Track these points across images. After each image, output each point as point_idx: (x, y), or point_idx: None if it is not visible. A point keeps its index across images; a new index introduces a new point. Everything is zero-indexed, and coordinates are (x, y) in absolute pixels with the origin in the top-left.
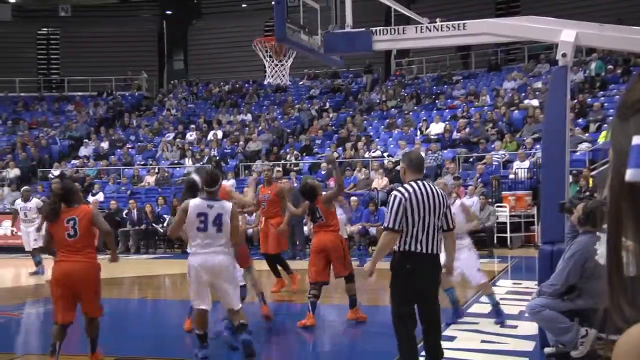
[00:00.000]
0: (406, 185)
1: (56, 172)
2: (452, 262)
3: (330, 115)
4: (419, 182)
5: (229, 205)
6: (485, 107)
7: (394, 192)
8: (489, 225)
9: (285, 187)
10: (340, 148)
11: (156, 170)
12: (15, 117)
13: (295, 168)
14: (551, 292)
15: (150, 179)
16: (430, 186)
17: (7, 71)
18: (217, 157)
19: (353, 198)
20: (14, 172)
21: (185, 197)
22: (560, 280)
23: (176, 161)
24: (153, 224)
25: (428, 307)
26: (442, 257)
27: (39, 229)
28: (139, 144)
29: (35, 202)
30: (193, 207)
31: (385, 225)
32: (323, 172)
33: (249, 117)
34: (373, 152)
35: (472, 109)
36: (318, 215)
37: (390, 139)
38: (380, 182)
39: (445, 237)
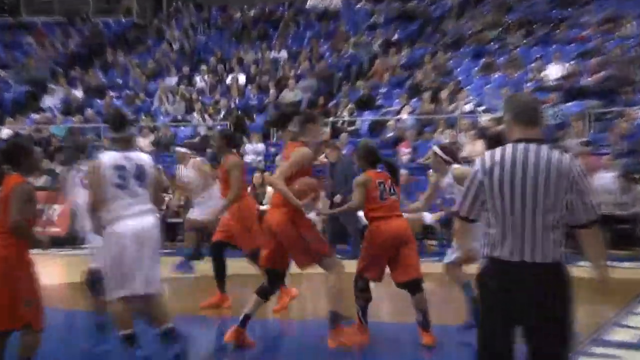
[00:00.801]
0: (496, 150)
1: (7, 131)
2: (605, 272)
3: (401, 52)
4: (522, 144)
5: (146, 155)
6: (630, 40)
7: (476, 160)
8: (634, 212)
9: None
10: (414, 100)
11: (152, 129)
12: None
13: (349, 128)
14: None
15: (143, 142)
16: (542, 152)
17: None
18: (239, 112)
19: (431, 172)
20: None
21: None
22: None
23: (180, 116)
24: None
25: (538, 348)
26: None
27: None
28: (127, 92)
29: None
30: (106, 161)
31: (454, 208)
32: (390, 135)
33: (283, 54)
34: (462, 105)
35: (611, 42)
36: (391, 192)
37: (488, 87)
38: (472, 147)
39: (584, 236)
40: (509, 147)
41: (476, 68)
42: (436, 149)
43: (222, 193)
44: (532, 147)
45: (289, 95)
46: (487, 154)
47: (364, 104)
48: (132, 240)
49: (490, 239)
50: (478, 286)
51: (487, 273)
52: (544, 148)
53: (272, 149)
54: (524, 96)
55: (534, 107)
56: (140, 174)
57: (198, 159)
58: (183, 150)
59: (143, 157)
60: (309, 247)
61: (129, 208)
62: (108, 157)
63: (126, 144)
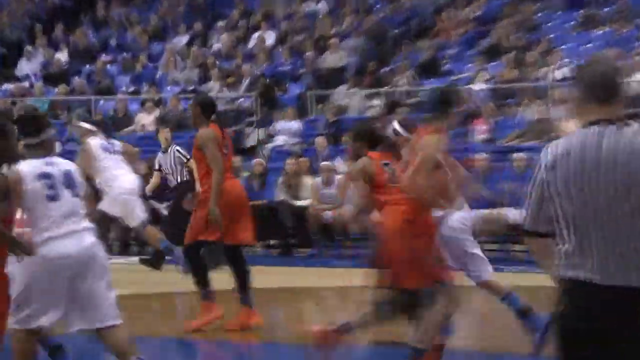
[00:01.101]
0: (563, 139)
1: None
2: None
3: (474, 2)
4: (595, 128)
5: (68, 161)
6: None
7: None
8: None
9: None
10: (491, 63)
11: (157, 103)
12: None
13: (409, 100)
14: None
15: (146, 119)
16: (624, 136)
17: None
18: (267, 80)
19: (519, 155)
20: None
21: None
22: None
23: (192, 86)
24: (152, 201)
25: None
26: None
27: None
28: (125, 55)
29: None
30: (26, 171)
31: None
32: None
33: (322, 5)
34: (555, 70)
35: None
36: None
37: (589, 46)
38: (567, 125)
39: None
40: (578, 133)
41: (572, 22)
42: (395, 124)
43: (201, 178)
44: (609, 130)
45: (331, 59)
46: (552, 144)
47: (427, 69)
48: (62, 265)
49: (563, 255)
50: (552, 319)
51: (563, 300)
52: (627, 130)
53: (312, 126)
54: (600, 63)
55: (612, 77)
56: (69, 182)
57: (98, 140)
58: (84, 125)
59: (67, 163)
60: (421, 265)
61: (64, 225)
62: (28, 166)
63: (46, 149)
